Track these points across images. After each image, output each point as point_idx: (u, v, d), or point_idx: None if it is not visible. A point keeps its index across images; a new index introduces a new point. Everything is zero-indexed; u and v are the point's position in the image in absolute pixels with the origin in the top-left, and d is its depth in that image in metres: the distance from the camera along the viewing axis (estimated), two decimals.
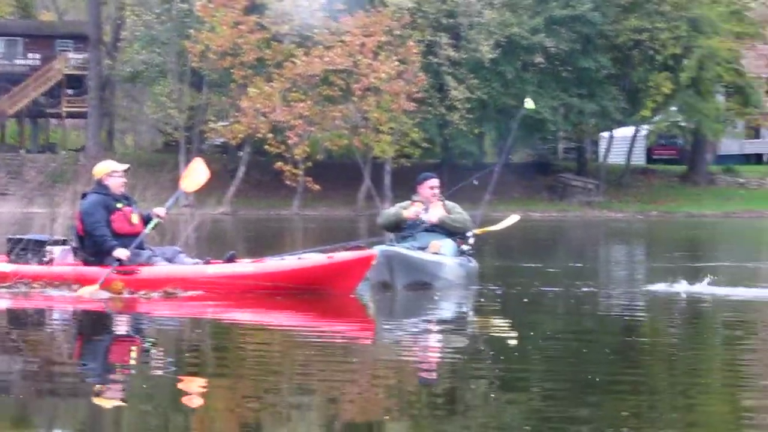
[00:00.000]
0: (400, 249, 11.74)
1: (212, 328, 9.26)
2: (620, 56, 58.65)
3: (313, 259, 11.24)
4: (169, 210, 11.86)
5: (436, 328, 9.37)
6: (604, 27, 56.24)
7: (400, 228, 12.68)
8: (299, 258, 11.39)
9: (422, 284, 11.73)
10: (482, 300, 11.50)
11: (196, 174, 12.41)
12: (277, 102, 50.89)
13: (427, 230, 12.61)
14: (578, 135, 60.68)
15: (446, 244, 12.39)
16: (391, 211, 13.11)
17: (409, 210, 12.79)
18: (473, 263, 12.66)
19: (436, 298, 11.28)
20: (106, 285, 10.85)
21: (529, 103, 15.17)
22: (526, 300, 11.41)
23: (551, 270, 14.91)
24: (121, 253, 11.05)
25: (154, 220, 11.52)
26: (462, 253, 12.67)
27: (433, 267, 11.92)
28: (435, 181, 13.00)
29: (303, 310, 10.28)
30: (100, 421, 5.42)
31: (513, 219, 13.91)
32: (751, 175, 62.04)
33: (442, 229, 12.58)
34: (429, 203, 12.80)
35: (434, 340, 8.47)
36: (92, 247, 11.22)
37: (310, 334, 8.71)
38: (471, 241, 12.83)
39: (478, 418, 5.51)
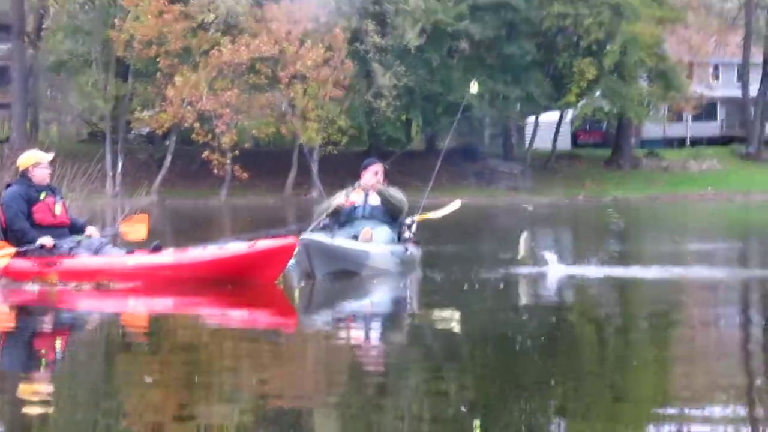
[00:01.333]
0: (318, 236, 11.61)
1: (132, 320, 9.25)
2: (545, 42, 59.16)
3: (234, 248, 11.17)
4: (101, 236, 11.78)
5: (355, 316, 9.44)
6: (528, 13, 56.67)
7: (339, 217, 12.78)
8: (220, 247, 11.32)
9: (345, 272, 11.60)
10: (408, 286, 11.59)
11: (137, 230, 12.35)
12: (204, 91, 50.67)
13: (365, 217, 12.69)
14: (504, 121, 61.10)
15: (380, 232, 12.40)
16: (322, 206, 13.11)
17: (339, 197, 12.93)
18: (412, 251, 12.62)
19: (358, 285, 11.29)
20: (39, 277, 10.83)
21: (474, 87, 15.38)
22: (455, 285, 11.52)
23: (473, 255, 15.04)
24: (45, 240, 11.02)
25: (83, 236, 11.42)
26: (404, 240, 12.75)
27: (356, 255, 11.81)
28: (378, 167, 13.06)
29: (223, 300, 10.26)
30: (23, 423, 5.34)
31: (455, 205, 13.91)
32: (674, 158, 62.91)
33: (382, 216, 12.67)
34: (371, 189, 12.90)
35: (354, 328, 8.54)
36: (15, 239, 11.18)
37: (229, 324, 8.73)
38: (414, 228, 12.94)
39: (404, 405, 5.58)
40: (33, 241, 11.05)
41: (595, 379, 6.25)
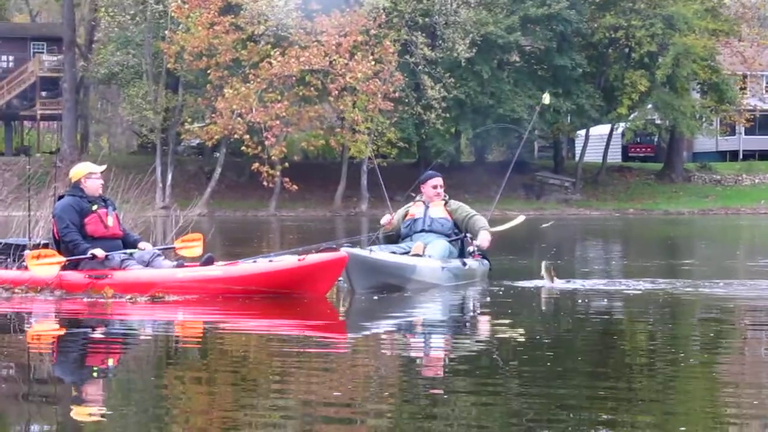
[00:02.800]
0: (359, 251, 11.35)
1: (184, 333, 9.11)
2: (596, 54, 58.80)
3: (284, 261, 10.98)
4: (154, 248, 11.70)
5: (404, 328, 9.26)
6: (579, 25, 56.37)
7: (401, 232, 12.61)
8: (270, 260, 11.16)
9: (388, 287, 11.34)
10: (464, 299, 11.36)
11: (192, 248, 12.22)
12: (254, 103, 50.71)
13: (425, 230, 12.48)
14: (554, 133, 60.74)
15: (436, 245, 12.18)
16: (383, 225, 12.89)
17: (384, 217, 12.75)
18: (472, 265, 12.35)
19: (408, 298, 11.06)
20: (93, 289, 10.73)
21: (546, 98, 15.21)
22: (510, 298, 11.29)
23: (526, 268, 14.74)
24: (97, 251, 10.91)
25: (135, 251, 11.35)
26: (468, 254, 12.51)
27: (400, 269, 11.53)
28: (438, 180, 12.80)
29: (274, 313, 10.10)
30: (76, 429, 5.32)
31: (518, 219, 13.64)
32: (726, 172, 62.25)
33: (445, 229, 12.45)
34: (431, 202, 12.69)
35: (404, 341, 8.33)
36: (68, 251, 11.08)
37: (279, 338, 8.55)
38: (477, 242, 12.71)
39: (456, 418, 5.42)
40: (84, 252, 10.94)
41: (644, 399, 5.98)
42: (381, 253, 11.68)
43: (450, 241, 12.42)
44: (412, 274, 11.56)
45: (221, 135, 51.81)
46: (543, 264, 12.37)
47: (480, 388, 6.21)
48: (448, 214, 12.61)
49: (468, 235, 12.57)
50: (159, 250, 11.79)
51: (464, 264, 12.25)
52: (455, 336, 8.70)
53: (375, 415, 5.52)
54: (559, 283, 12.19)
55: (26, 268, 11.31)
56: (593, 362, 7.32)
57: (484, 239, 12.41)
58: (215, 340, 8.56)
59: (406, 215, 12.78)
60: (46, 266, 10.77)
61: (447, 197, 12.82)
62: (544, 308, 10.76)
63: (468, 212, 12.67)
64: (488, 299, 11.34)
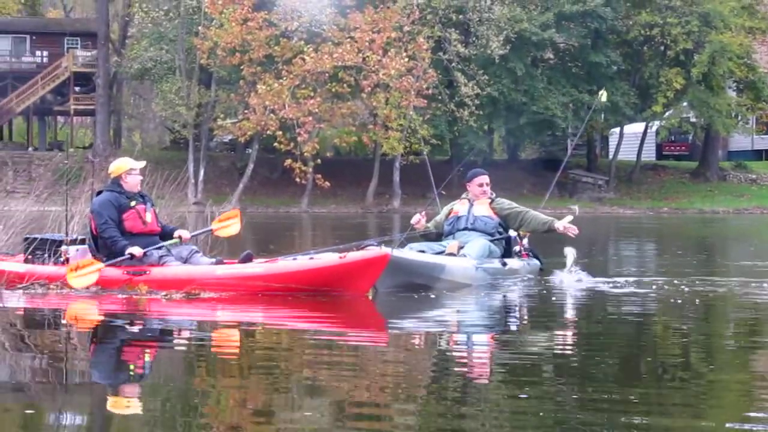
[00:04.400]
0: (384, 249, 11.08)
1: (222, 331, 8.99)
2: (631, 52, 58.46)
3: (324, 259, 10.79)
4: (192, 237, 11.65)
5: (444, 327, 9.10)
6: (614, 22, 56.07)
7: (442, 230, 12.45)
8: (311, 258, 10.97)
9: (415, 286, 11.04)
10: (507, 299, 11.18)
11: (231, 225, 12.13)
12: (286, 99, 50.66)
13: (467, 228, 12.30)
14: (588, 131, 60.41)
15: (474, 244, 11.97)
16: (430, 227, 12.71)
17: (414, 217, 12.58)
18: (513, 264, 12.10)
19: (446, 297, 10.86)
20: (129, 285, 10.62)
21: (603, 96, 15.16)
22: (551, 297, 11.12)
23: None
24: (134, 250, 10.80)
25: (174, 240, 11.27)
26: (515, 253, 12.33)
27: (427, 268, 11.25)
28: (484, 178, 12.58)
29: (313, 312, 9.94)
30: (112, 425, 5.28)
31: (566, 219, 13.48)
32: (762, 170, 61.76)
33: (489, 227, 12.26)
34: (476, 200, 12.49)
35: (440, 341, 8.17)
36: (105, 247, 10.99)
37: (318, 336, 8.40)
38: (525, 242, 12.51)
39: (487, 418, 5.30)
40: (123, 249, 10.83)
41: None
42: (408, 252, 11.44)
43: (493, 240, 12.19)
44: (441, 274, 11.29)
45: (254, 131, 51.78)
46: (567, 251, 12.35)
47: (511, 389, 6.06)
48: (493, 212, 12.40)
49: (516, 233, 12.36)
50: (197, 236, 11.70)
51: (504, 264, 12.00)
52: (488, 336, 8.53)
53: (407, 414, 5.41)
54: (576, 272, 12.13)
55: (63, 263, 11.23)
56: (626, 363, 7.13)
57: (564, 224, 12.17)
58: (252, 337, 8.43)
59: (450, 213, 12.59)
60: (85, 277, 10.63)
61: (493, 195, 12.62)
62: (576, 307, 10.56)
63: (520, 208, 12.45)
64: (522, 299, 11.16)
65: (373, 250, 10.63)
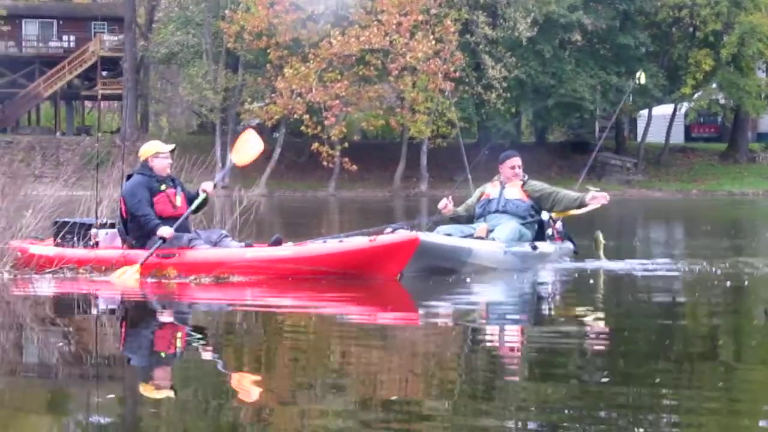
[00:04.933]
0: (414, 233, 10.88)
1: (252, 314, 8.95)
2: (659, 33, 58.02)
3: (354, 242, 10.75)
4: (217, 184, 11.59)
5: (477, 312, 9.01)
6: (643, 3, 55.68)
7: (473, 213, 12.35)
8: (340, 241, 10.92)
9: (441, 270, 10.93)
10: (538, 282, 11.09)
11: (248, 146, 12.06)
12: (313, 82, 50.57)
13: (498, 211, 12.18)
14: (615, 113, 59.95)
15: (504, 227, 11.84)
16: (459, 211, 12.59)
17: (441, 201, 12.46)
18: (545, 248, 11.94)
19: (475, 281, 10.77)
20: (158, 269, 10.57)
21: (641, 78, 15.08)
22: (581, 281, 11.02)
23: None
24: (164, 231, 10.73)
25: (202, 196, 11.19)
26: (548, 237, 12.24)
27: (453, 251, 11.14)
28: (516, 160, 12.39)
29: (344, 295, 9.88)
30: (142, 409, 5.26)
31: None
32: None
33: (521, 210, 12.13)
34: (508, 182, 12.35)
35: (474, 324, 8.09)
36: (135, 230, 10.93)
37: (348, 319, 8.34)
38: (558, 225, 12.38)
39: (518, 402, 5.25)
40: (154, 229, 10.76)
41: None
42: (434, 236, 11.33)
43: (524, 223, 12.06)
44: (468, 258, 11.19)
45: (281, 115, 51.72)
46: (597, 234, 12.23)
47: (540, 374, 6.02)
48: (525, 194, 12.25)
49: (549, 217, 12.22)
50: (220, 177, 11.62)
51: (534, 248, 11.85)
52: (516, 320, 8.50)
53: (436, 400, 5.36)
54: (605, 258, 12.07)
55: (92, 247, 11.21)
56: (656, 348, 7.02)
57: (596, 197, 12.04)
58: (282, 321, 8.41)
59: (481, 196, 12.47)
60: (127, 276, 10.57)
61: (526, 177, 12.47)
62: (606, 290, 10.48)
63: (552, 189, 12.30)
64: (551, 282, 11.08)
65: (402, 234, 10.55)
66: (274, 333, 7.78)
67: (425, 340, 7.31)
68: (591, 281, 10.92)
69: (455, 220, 12.46)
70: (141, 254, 10.76)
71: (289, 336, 7.63)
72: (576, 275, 11.41)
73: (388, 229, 10.86)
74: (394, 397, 5.42)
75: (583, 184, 13.02)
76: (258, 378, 5.99)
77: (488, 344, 7.18)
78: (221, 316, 8.79)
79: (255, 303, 9.54)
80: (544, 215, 12.18)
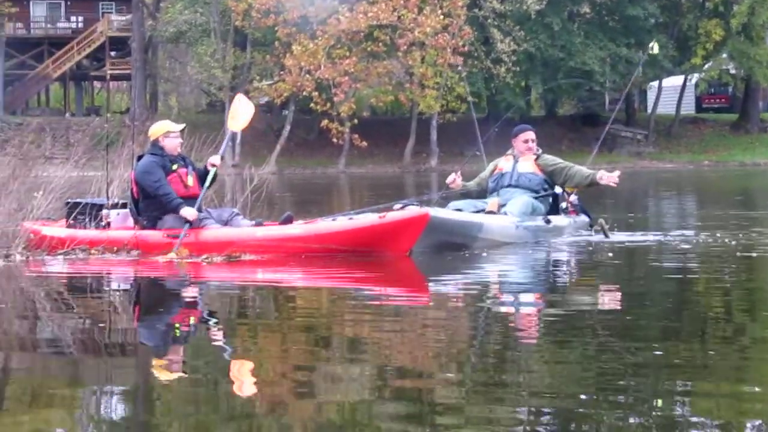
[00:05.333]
0: (423, 209, 10.84)
1: (263, 293, 8.93)
2: (669, 4, 57.74)
3: (364, 219, 10.71)
4: (223, 156, 11.60)
5: (489, 288, 8.94)
6: None
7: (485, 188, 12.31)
8: (350, 218, 10.88)
9: (452, 245, 10.85)
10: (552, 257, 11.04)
11: (240, 112, 12.03)
12: (322, 59, 50.46)
13: (512, 185, 12.14)
14: (626, 85, 59.79)
15: (517, 201, 11.80)
16: (471, 185, 12.55)
17: (450, 177, 12.43)
18: (558, 222, 11.93)
19: (485, 255, 10.73)
20: (169, 249, 10.57)
21: (655, 48, 15.09)
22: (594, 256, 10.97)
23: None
24: (188, 213, 10.71)
25: (212, 171, 11.20)
26: (562, 210, 12.19)
27: (463, 226, 11.06)
28: (530, 134, 12.36)
29: (355, 272, 9.85)
30: (155, 388, 5.24)
31: (617, 171, 13.25)
32: None
33: (534, 184, 12.09)
34: (521, 156, 12.30)
35: (489, 302, 8.04)
36: (148, 210, 10.91)
37: (359, 296, 8.30)
38: (572, 198, 12.33)
39: (533, 379, 5.21)
40: (178, 207, 10.74)
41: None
42: (443, 211, 11.26)
43: (537, 197, 12.02)
44: (479, 233, 11.12)
45: (290, 92, 51.64)
46: (601, 222, 12.15)
47: (553, 350, 5.97)
48: (538, 168, 12.21)
49: (561, 190, 12.19)
50: (224, 148, 11.77)
51: (547, 222, 11.82)
52: (528, 295, 8.44)
53: (450, 378, 5.32)
54: (612, 236, 12.04)
55: (104, 228, 11.22)
56: (670, 321, 6.97)
57: (606, 177, 11.97)
58: (293, 299, 8.39)
59: (494, 169, 12.44)
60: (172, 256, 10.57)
61: (539, 151, 12.42)
62: (618, 263, 10.41)
63: (565, 164, 12.26)
64: (565, 256, 11.05)
65: (412, 210, 10.51)
66: (285, 312, 7.75)
67: (435, 317, 7.28)
68: (610, 254, 10.88)
69: (466, 194, 12.42)
70: (153, 234, 10.75)
71: (300, 314, 7.61)
72: (591, 248, 11.36)
73: (398, 206, 10.80)
74: (406, 375, 5.40)
75: (596, 158, 12.89)
76: (269, 358, 5.97)
77: (498, 320, 7.13)
78: (232, 296, 8.76)
79: (265, 282, 9.52)
80: (558, 188, 12.16)
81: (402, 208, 10.66)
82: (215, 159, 11.33)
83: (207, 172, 11.24)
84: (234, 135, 12.10)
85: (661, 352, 5.69)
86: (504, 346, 6.10)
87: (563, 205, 12.29)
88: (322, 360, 5.79)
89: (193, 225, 10.72)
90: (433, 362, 5.65)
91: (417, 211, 10.46)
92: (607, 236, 11.90)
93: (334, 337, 6.50)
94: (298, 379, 5.36)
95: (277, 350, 6.15)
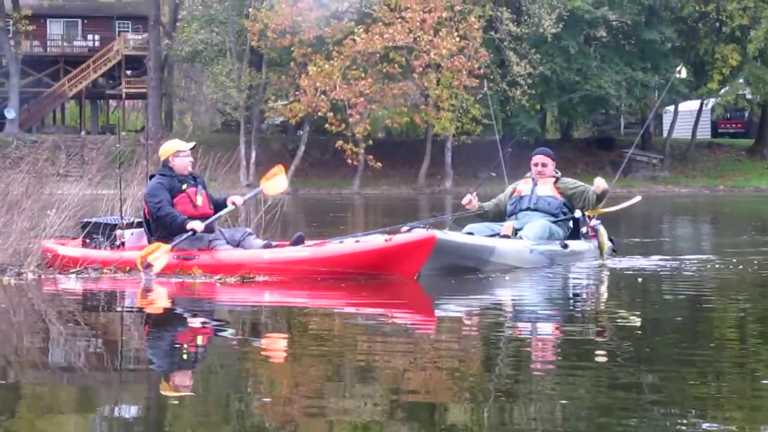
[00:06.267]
0: (430, 231, 10.71)
1: (271, 314, 8.84)
2: (685, 28, 57.65)
3: (370, 242, 10.63)
4: (245, 202, 11.59)
5: (500, 313, 8.85)
6: None
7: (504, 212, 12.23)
8: (357, 241, 10.81)
9: (462, 269, 10.75)
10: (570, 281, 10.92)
11: (277, 182, 12.03)
12: (337, 80, 50.46)
13: (530, 209, 12.04)
14: (642, 109, 59.71)
15: (533, 225, 11.69)
16: (487, 206, 12.48)
17: (465, 197, 12.35)
18: (576, 246, 11.82)
19: (488, 280, 10.61)
20: (182, 269, 10.50)
21: (682, 71, 14.97)
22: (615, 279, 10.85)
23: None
24: (195, 224, 10.67)
25: (229, 207, 11.17)
26: (582, 235, 12.10)
27: (474, 250, 10.95)
28: (539, 158, 12.23)
29: (360, 295, 9.73)
30: (166, 408, 5.23)
31: (635, 199, 13.18)
32: None
33: (553, 208, 11.96)
34: (540, 179, 12.21)
35: (496, 325, 7.94)
36: (159, 230, 10.87)
37: (365, 321, 8.21)
38: (593, 222, 12.22)
39: (540, 401, 5.15)
40: (183, 224, 10.72)
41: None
42: (453, 234, 11.14)
43: (555, 221, 11.90)
44: (490, 256, 11.01)
45: (305, 113, 51.64)
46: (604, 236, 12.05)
47: (564, 374, 5.90)
48: (558, 191, 12.10)
49: (582, 215, 12.07)
50: (249, 197, 11.84)
51: (564, 246, 11.68)
52: (540, 319, 8.32)
53: (459, 401, 5.27)
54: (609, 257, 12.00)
55: (119, 248, 11.16)
56: (682, 349, 6.87)
57: (599, 184, 11.89)
58: (301, 322, 8.30)
59: (513, 192, 12.33)
60: (158, 256, 10.51)
61: (558, 174, 12.31)
62: (631, 288, 10.28)
63: (584, 187, 12.14)
64: (578, 281, 10.93)
65: (419, 233, 10.40)
66: (293, 335, 7.69)
67: (444, 342, 7.18)
68: (612, 280, 10.77)
69: (482, 216, 12.33)
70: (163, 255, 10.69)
71: (307, 338, 7.52)
72: (607, 274, 11.24)
73: (405, 228, 10.71)
74: (415, 400, 5.35)
75: (606, 180, 12.78)
76: (279, 380, 5.92)
77: (506, 344, 7.03)
78: (238, 318, 8.67)
79: (272, 304, 9.43)
80: (578, 213, 12.03)
81: (408, 230, 10.55)
82: (238, 199, 11.32)
83: (225, 204, 11.20)
84: (261, 192, 12.12)
85: (676, 386, 5.59)
86: (510, 374, 6.02)
87: (584, 229, 12.17)
88: (330, 385, 5.72)
89: (203, 247, 10.69)
90: (441, 389, 5.58)
91: (423, 233, 10.35)
92: (602, 256, 11.83)
93: (343, 363, 6.42)
94: (307, 405, 5.29)
95: (285, 375, 6.08)
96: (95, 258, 10.91)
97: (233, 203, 11.22)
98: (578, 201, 12.06)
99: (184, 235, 10.68)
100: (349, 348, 6.90)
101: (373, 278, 10.24)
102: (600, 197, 12.00)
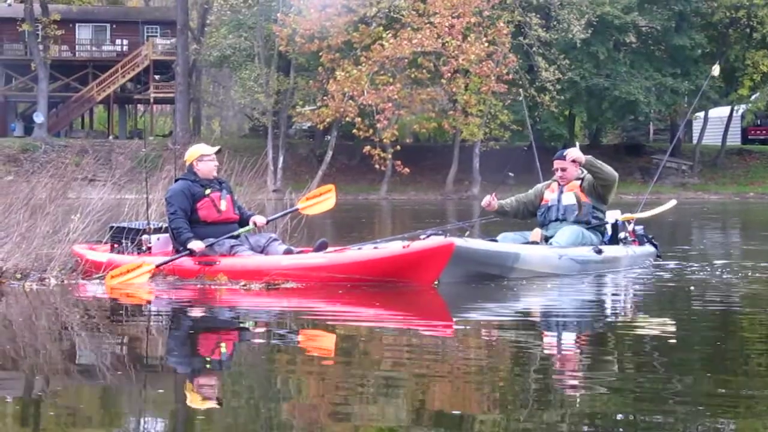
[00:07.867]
0: (449, 239, 10.49)
1: (290, 323, 8.71)
2: (716, 34, 57.32)
3: (388, 248, 10.45)
4: (269, 221, 11.44)
5: (517, 321, 8.65)
6: (698, 4, 55.03)
7: (534, 215, 12.02)
8: (375, 247, 10.65)
9: (487, 276, 10.58)
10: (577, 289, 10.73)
11: (323, 202, 11.89)
12: (365, 85, 50.35)
13: (558, 219, 11.81)
14: (672, 115, 59.33)
15: (564, 232, 11.49)
16: (506, 203, 12.26)
17: (485, 199, 12.12)
18: (611, 252, 11.58)
19: (510, 287, 10.40)
20: (206, 275, 10.40)
21: (716, 70, 14.87)
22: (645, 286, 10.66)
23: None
24: (195, 245, 10.61)
25: (248, 227, 11.06)
26: (621, 240, 11.88)
27: (498, 257, 10.75)
28: (557, 162, 11.91)
29: (377, 303, 9.55)
30: (189, 415, 5.22)
31: (670, 204, 12.97)
32: None
33: (581, 215, 11.72)
34: (564, 184, 11.97)
35: (513, 334, 7.76)
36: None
37: (382, 329, 8.06)
38: (630, 227, 12.02)
39: (564, 410, 5.07)
40: (186, 242, 10.70)
41: None
42: (474, 241, 10.98)
43: (589, 228, 11.67)
44: (515, 263, 10.81)
45: (333, 118, 51.56)
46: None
47: (587, 382, 5.82)
48: (583, 194, 11.81)
49: (619, 220, 11.86)
50: (276, 217, 11.72)
51: (598, 252, 11.44)
52: (562, 327, 8.18)
53: (483, 410, 5.22)
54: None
55: (146, 253, 11.10)
56: (710, 358, 6.72)
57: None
58: (319, 330, 8.18)
59: (541, 198, 12.09)
60: (133, 279, 10.41)
61: (584, 173, 11.96)
62: (659, 296, 10.08)
63: (587, 176, 11.85)
64: (608, 288, 10.73)
65: (437, 239, 10.21)
66: (311, 343, 7.59)
67: (463, 351, 7.03)
68: (644, 286, 10.57)
69: (502, 214, 12.16)
70: (188, 261, 10.62)
71: (326, 346, 7.40)
72: (650, 280, 11.02)
73: (423, 235, 10.54)
74: (443, 407, 5.28)
75: (633, 187, 12.55)
76: (300, 388, 5.84)
77: (528, 353, 6.89)
78: (258, 325, 8.53)
79: (291, 311, 9.28)
80: (611, 218, 11.82)
81: (426, 237, 10.37)
82: (260, 220, 11.22)
83: (247, 222, 11.10)
84: (295, 211, 12.00)
85: (699, 393, 5.43)
86: (532, 384, 5.88)
87: (622, 234, 11.95)
88: (353, 394, 5.63)
89: (224, 253, 10.63)
90: (463, 398, 5.51)
91: (442, 240, 10.16)
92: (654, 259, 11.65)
93: (364, 371, 6.31)
94: (329, 412, 5.19)
95: (306, 383, 6.00)
96: (118, 263, 10.81)
97: (254, 222, 11.11)
98: (594, 193, 11.76)
99: (177, 256, 10.63)
100: (374, 355, 6.81)
101: (391, 286, 10.06)
102: (592, 172, 11.63)
